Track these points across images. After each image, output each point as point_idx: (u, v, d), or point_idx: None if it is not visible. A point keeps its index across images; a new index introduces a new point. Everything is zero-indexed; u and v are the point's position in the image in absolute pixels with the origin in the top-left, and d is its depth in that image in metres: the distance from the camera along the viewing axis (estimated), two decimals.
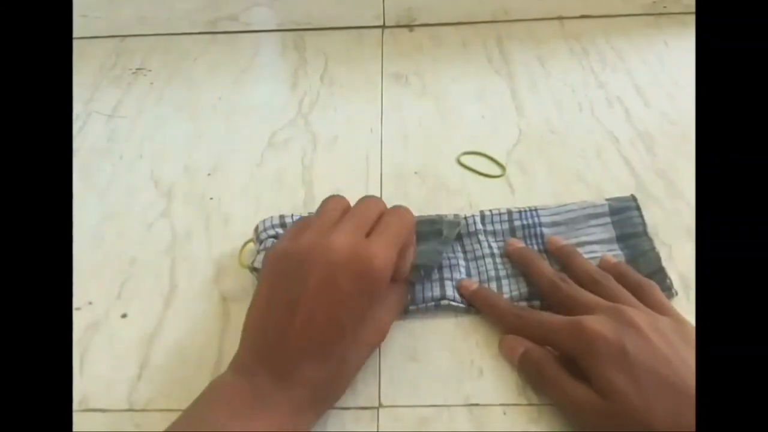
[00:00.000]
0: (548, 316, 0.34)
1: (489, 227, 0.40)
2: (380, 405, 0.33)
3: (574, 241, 0.39)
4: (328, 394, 0.31)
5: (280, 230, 0.39)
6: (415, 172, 0.46)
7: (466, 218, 0.40)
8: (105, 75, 0.58)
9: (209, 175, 0.47)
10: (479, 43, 0.59)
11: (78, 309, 0.38)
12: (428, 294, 0.36)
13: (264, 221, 0.40)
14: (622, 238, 0.39)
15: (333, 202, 0.34)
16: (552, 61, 0.56)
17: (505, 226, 0.40)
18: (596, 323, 0.31)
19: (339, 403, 0.33)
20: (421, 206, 0.41)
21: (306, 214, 0.39)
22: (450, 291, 0.37)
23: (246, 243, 0.40)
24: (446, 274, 0.37)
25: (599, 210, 0.40)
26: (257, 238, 0.39)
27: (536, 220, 0.40)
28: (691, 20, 0.60)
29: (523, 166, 0.46)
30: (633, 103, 0.52)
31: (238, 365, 0.31)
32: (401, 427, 0.32)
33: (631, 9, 0.61)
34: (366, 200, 0.34)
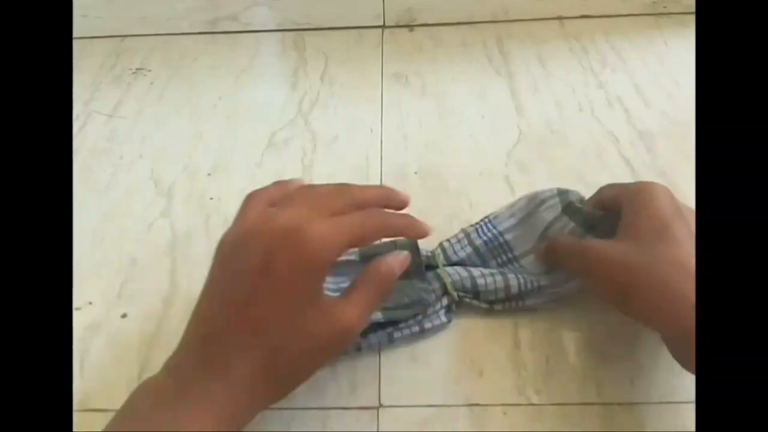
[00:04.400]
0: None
1: (454, 258, 0.37)
2: (380, 405, 0.33)
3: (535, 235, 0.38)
4: (268, 386, 0.28)
5: None
6: (415, 172, 0.46)
7: (430, 252, 0.37)
8: (105, 75, 0.58)
9: (209, 175, 0.47)
10: (479, 43, 0.59)
11: (78, 309, 0.38)
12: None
13: None
14: (566, 210, 0.37)
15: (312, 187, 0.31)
16: (552, 61, 0.56)
17: (468, 249, 0.37)
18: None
19: (339, 403, 0.33)
20: (421, 206, 0.41)
21: None
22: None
23: None
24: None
25: (547, 194, 0.38)
26: None
27: (494, 231, 0.38)
28: (691, 20, 0.60)
29: (523, 166, 0.46)
30: (633, 103, 0.52)
31: (166, 364, 0.29)
32: (401, 427, 0.32)
33: (631, 9, 0.61)
34: (340, 186, 0.31)
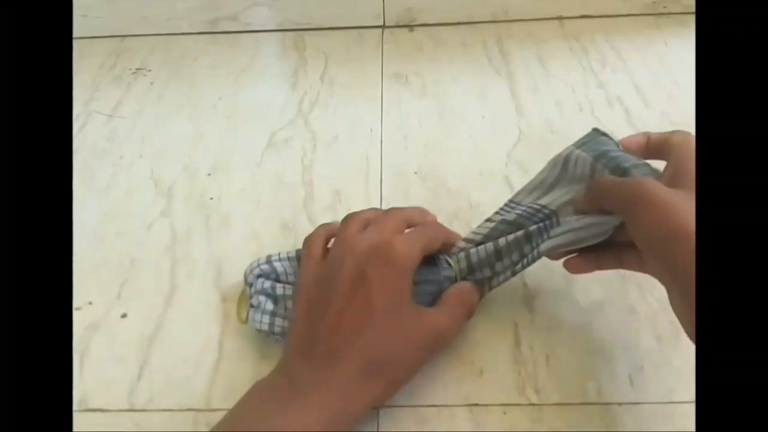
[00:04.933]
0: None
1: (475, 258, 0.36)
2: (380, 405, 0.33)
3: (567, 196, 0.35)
4: (374, 380, 0.30)
5: (265, 266, 0.36)
6: (415, 172, 0.46)
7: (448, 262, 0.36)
8: (105, 75, 0.58)
9: (209, 175, 0.47)
10: (479, 43, 0.59)
11: (78, 309, 0.38)
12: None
13: (251, 263, 0.37)
14: (599, 157, 0.34)
15: (353, 219, 0.35)
16: (552, 61, 0.56)
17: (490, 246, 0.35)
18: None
19: None
20: (422, 206, 0.41)
21: (293, 253, 0.37)
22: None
23: (241, 292, 0.37)
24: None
25: (569, 154, 0.36)
26: (246, 282, 0.37)
27: (519, 208, 0.36)
28: (691, 20, 0.60)
29: (523, 166, 0.46)
30: (633, 103, 0.52)
31: (277, 366, 0.31)
32: (401, 427, 0.32)
33: (631, 9, 0.61)
34: (391, 210, 0.36)
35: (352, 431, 0.30)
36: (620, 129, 0.49)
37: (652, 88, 0.53)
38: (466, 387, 0.34)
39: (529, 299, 0.38)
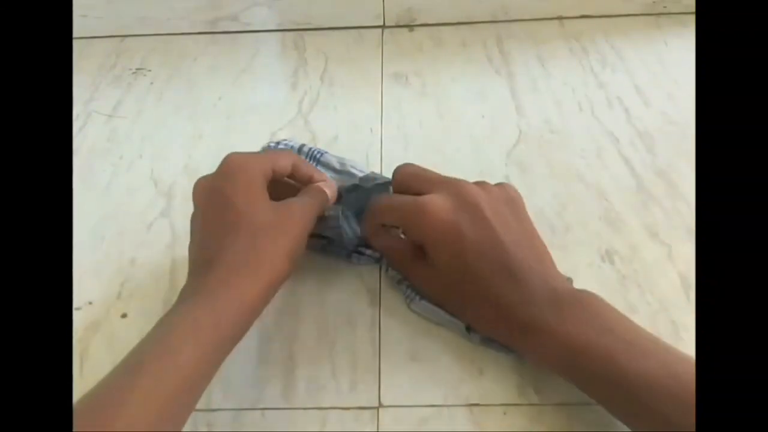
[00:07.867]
0: (400, 197, 0.36)
1: None
2: (380, 405, 0.33)
3: None
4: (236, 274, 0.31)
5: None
6: None
7: None
8: (105, 75, 0.58)
9: None
10: (479, 43, 0.59)
11: (78, 309, 0.38)
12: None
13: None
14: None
15: None
16: (552, 61, 0.56)
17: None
18: (437, 204, 0.34)
19: (339, 403, 0.33)
20: None
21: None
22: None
23: None
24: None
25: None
26: None
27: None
28: (691, 20, 0.60)
29: (523, 166, 0.46)
30: (633, 103, 0.52)
31: (180, 297, 0.32)
32: (401, 427, 0.32)
33: (631, 9, 0.61)
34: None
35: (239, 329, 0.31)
36: (620, 129, 0.49)
37: (652, 88, 0.53)
38: (466, 387, 0.34)
39: None
